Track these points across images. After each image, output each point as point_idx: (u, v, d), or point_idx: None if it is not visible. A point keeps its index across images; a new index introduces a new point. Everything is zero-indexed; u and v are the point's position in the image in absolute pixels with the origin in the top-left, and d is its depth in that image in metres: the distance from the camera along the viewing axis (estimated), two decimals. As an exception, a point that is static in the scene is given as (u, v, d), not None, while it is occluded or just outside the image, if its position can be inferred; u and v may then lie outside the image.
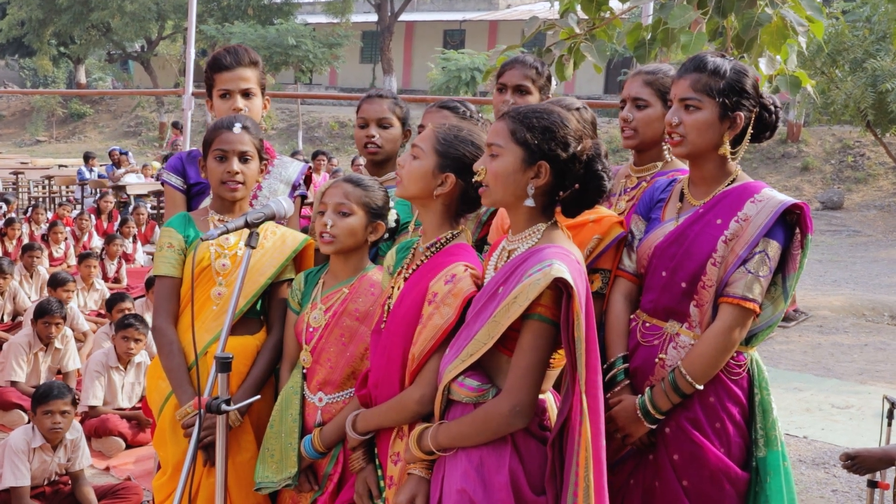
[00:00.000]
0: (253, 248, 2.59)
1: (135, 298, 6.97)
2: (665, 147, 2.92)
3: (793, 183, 19.92)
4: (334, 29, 29.07)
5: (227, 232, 2.57)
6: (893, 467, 3.59)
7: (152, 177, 15.15)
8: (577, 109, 2.70)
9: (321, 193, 2.82)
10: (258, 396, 2.71)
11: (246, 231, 2.69)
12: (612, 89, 28.28)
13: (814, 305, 10.46)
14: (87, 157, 15.44)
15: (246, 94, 3.14)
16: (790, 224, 2.58)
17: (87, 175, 14.85)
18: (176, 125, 18.57)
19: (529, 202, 2.30)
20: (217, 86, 3.15)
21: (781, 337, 8.98)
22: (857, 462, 3.60)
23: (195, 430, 2.48)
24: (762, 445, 2.62)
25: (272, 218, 2.68)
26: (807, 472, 5.50)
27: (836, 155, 20.59)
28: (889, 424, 3.95)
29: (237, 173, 2.86)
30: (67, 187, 15.68)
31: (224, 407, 2.43)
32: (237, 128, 2.87)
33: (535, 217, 2.34)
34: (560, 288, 2.19)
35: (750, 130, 2.61)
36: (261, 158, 2.95)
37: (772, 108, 2.64)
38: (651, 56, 4.20)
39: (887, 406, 3.93)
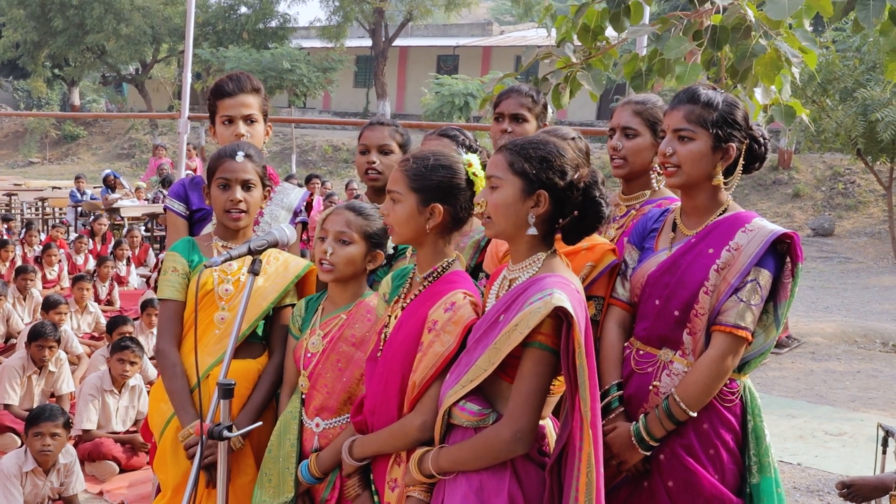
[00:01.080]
0: (256, 274, 2.61)
1: (129, 321, 6.95)
2: (653, 175, 2.97)
3: (784, 209, 20.04)
4: (329, 53, 29.27)
5: (231, 259, 2.59)
6: (888, 495, 3.60)
7: (145, 199, 15.16)
8: (573, 139, 2.74)
9: (323, 219, 2.85)
10: (260, 423, 2.72)
11: (249, 257, 2.72)
12: (604, 115, 28.46)
13: (806, 332, 10.50)
14: (77, 179, 15.46)
15: (248, 120, 3.18)
16: (781, 253, 2.63)
17: (80, 197, 14.84)
18: (163, 147, 18.53)
19: (532, 231, 2.34)
20: (219, 112, 3.20)
21: (774, 363, 9.01)
22: (852, 490, 3.62)
23: (197, 455, 2.48)
24: (756, 472, 2.65)
25: (275, 245, 2.70)
26: (801, 499, 5.51)
27: (826, 182, 20.75)
28: (884, 452, 3.97)
29: (240, 202, 2.90)
30: (61, 209, 15.67)
31: (226, 433, 2.44)
32: (240, 156, 2.90)
33: (536, 246, 2.37)
34: (560, 317, 2.22)
35: (741, 161, 2.66)
36: (264, 185, 2.98)
37: (761, 139, 2.71)
38: (647, 86, 4.26)
39: (882, 434, 3.95)
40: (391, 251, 2.92)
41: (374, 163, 3.22)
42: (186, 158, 16.58)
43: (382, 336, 2.57)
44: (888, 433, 3.95)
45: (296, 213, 3.30)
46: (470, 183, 2.49)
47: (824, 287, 14.22)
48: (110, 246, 11.19)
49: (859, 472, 4.54)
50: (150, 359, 6.40)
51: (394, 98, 32.07)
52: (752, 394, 2.69)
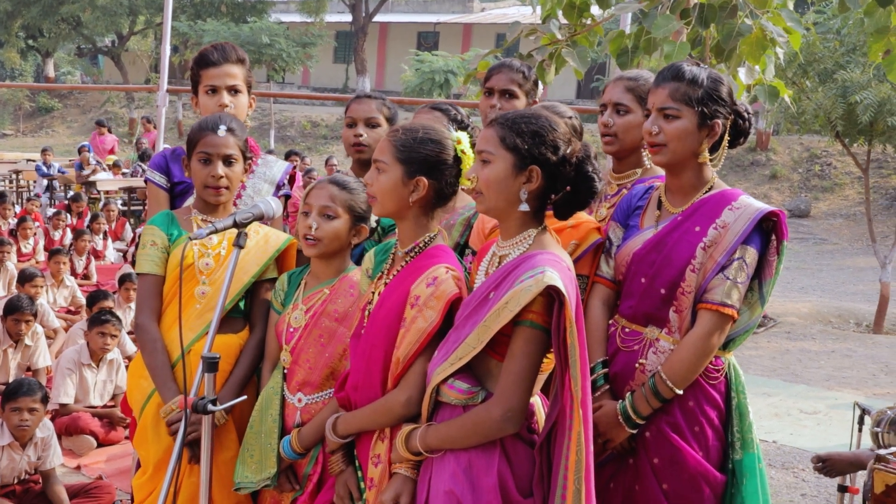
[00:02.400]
0: (242, 247, 2.58)
1: (106, 295, 6.88)
2: (645, 153, 2.95)
3: (761, 190, 20.16)
4: (308, 28, 28.96)
5: (216, 231, 2.56)
6: (862, 471, 3.65)
7: (122, 174, 15.00)
8: (570, 118, 2.71)
9: (306, 194, 2.82)
10: (244, 397, 2.70)
11: (229, 231, 2.69)
12: (584, 94, 28.45)
13: (782, 312, 10.60)
14: (44, 151, 15.24)
15: (232, 90, 3.14)
16: (766, 231, 2.63)
17: (46, 170, 14.63)
18: (101, 123, 17.86)
19: (523, 207, 2.31)
20: (203, 82, 3.14)
21: (750, 343, 9.09)
22: (828, 465, 3.66)
23: (181, 429, 2.46)
24: (739, 448, 2.66)
25: (261, 218, 2.67)
26: (776, 475, 5.58)
27: (803, 164, 20.88)
28: (860, 430, 4.01)
29: (221, 177, 2.86)
30: (34, 182, 15.47)
31: (210, 407, 2.42)
32: (222, 130, 2.86)
33: (527, 223, 2.35)
34: (552, 295, 2.20)
35: (726, 137, 2.65)
36: (245, 158, 2.94)
37: (745, 114, 2.69)
38: (633, 63, 4.24)
39: (858, 412, 3.99)
40: (373, 224, 2.89)
41: (360, 136, 3.18)
42: (143, 131, 16.22)
43: (366, 313, 2.54)
44: (864, 411, 3.98)
45: (279, 187, 3.26)
46: (457, 160, 2.46)
47: (800, 268, 14.35)
48: (87, 220, 11.08)
49: (834, 450, 4.60)
50: (129, 333, 6.36)
51: (374, 74, 31.84)
52: (736, 371, 2.70)
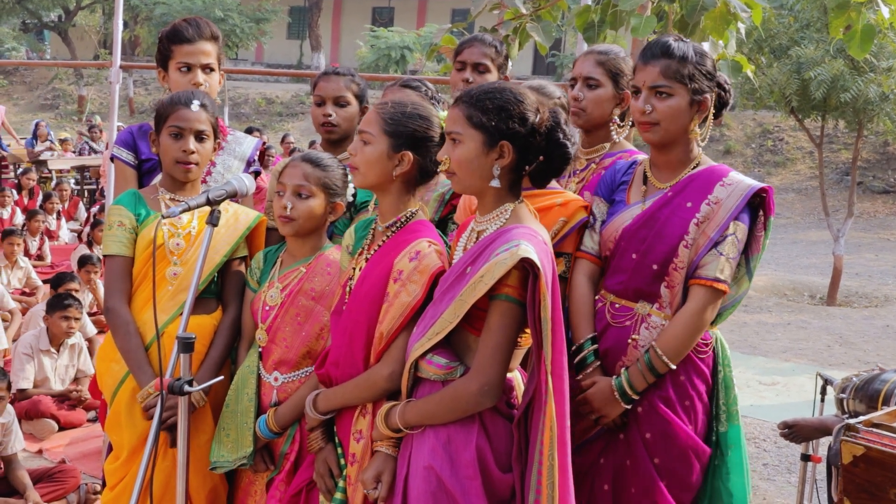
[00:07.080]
0: (215, 225, 2.52)
1: (63, 277, 6.74)
2: (612, 127, 2.96)
3: (715, 166, 20.36)
4: (261, 3, 28.50)
5: (189, 209, 2.50)
6: (824, 443, 3.71)
7: (72, 151, 14.67)
8: (559, 98, 2.71)
9: (279, 172, 2.77)
10: (222, 377, 2.66)
11: (199, 210, 2.63)
12: (539, 70, 28.44)
13: (738, 285, 10.76)
14: None
15: (206, 69, 3.07)
16: (754, 206, 2.65)
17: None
18: None
19: (495, 183, 2.30)
20: (176, 58, 3.06)
21: (709, 316, 9.22)
22: (794, 430, 3.71)
23: (157, 412, 2.41)
24: (724, 420, 2.71)
25: (234, 195, 2.61)
26: (738, 446, 5.67)
27: (756, 139, 21.15)
28: (822, 400, 4.09)
29: (193, 153, 2.79)
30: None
31: (187, 388, 2.38)
32: (195, 105, 2.79)
33: (503, 197, 2.33)
34: (526, 268, 2.19)
35: (712, 111, 2.65)
36: (215, 136, 2.88)
37: (725, 85, 2.69)
38: (600, 38, 4.24)
39: (821, 382, 4.06)
40: (350, 199, 2.85)
41: (329, 115, 3.13)
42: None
43: (347, 289, 2.52)
44: (826, 382, 4.05)
45: (249, 163, 3.20)
46: (443, 138, 2.45)
47: (755, 241, 14.55)
48: (39, 199, 10.84)
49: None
50: (89, 315, 6.26)
51: (328, 51, 31.48)
52: (723, 345, 2.73)
